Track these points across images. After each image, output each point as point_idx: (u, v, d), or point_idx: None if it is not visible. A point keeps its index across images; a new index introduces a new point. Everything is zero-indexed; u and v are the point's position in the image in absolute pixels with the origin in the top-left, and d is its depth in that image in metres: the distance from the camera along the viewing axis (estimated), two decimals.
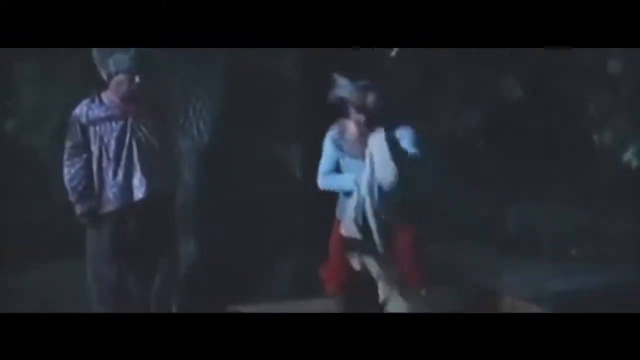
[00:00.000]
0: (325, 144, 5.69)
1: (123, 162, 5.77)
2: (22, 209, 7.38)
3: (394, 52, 7.10)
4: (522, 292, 6.33)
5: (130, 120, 5.79)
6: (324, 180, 5.69)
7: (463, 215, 7.29)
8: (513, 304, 5.72)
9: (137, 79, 5.73)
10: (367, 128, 5.54)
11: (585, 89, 7.81)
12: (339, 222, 5.70)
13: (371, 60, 7.18)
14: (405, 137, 5.56)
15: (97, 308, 5.85)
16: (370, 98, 5.52)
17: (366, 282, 5.50)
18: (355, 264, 5.54)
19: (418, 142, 5.57)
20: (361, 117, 5.53)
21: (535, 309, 5.70)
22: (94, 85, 5.99)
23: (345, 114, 5.64)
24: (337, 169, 5.67)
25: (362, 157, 5.55)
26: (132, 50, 5.72)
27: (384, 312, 5.37)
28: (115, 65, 5.73)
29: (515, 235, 7.47)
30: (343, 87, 5.57)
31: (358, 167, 5.56)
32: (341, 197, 5.71)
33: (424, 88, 7.67)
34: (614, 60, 7.69)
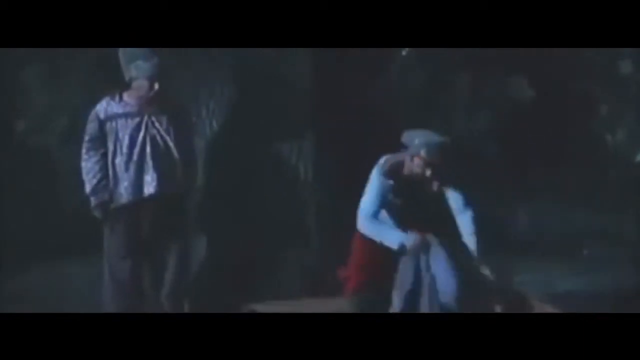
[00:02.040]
0: (374, 175, 5.44)
1: (135, 157, 5.81)
2: (31, 209, 7.37)
3: (404, 51, 7.10)
4: (534, 292, 6.30)
5: (145, 118, 5.84)
6: (368, 226, 5.39)
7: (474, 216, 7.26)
8: (524, 303, 5.68)
9: (156, 86, 5.77)
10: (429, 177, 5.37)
11: (596, 89, 7.80)
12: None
13: (380, 60, 7.20)
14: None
15: (110, 304, 5.86)
16: (442, 158, 5.37)
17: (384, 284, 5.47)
18: None
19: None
20: (426, 171, 5.38)
21: (546, 309, 5.67)
22: (104, 86, 6.02)
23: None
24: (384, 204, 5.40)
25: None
26: (155, 58, 5.77)
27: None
28: (136, 70, 5.79)
29: (526, 236, 7.44)
30: (419, 137, 5.39)
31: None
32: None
33: (434, 89, 7.66)
34: (625, 61, 7.67)
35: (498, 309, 5.49)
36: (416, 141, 5.38)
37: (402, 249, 5.35)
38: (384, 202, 5.41)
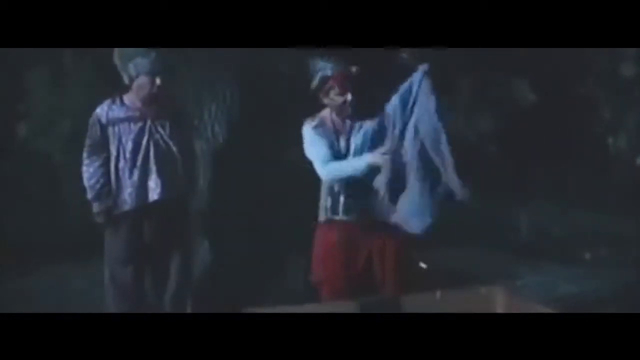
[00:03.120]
0: (308, 133, 5.27)
1: (139, 163, 5.77)
2: (33, 213, 7.39)
3: (404, 53, 7.08)
4: (535, 295, 6.30)
5: (148, 123, 5.80)
6: (330, 170, 5.23)
7: (476, 219, 7.26)
8: (524, 306, 5.67)
9: (157, 81, 5.73)
10: (351, 109, 5.19)
11: (598, 91, 7.80)
12: (323, 224, 5.42)
13: (385, 62, 7.19)
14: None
15: (112, 309, 5.84)
16: (355, 70, 5.22)
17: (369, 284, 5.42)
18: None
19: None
20: (347, 97, 5.19)
21: (547, 311, 5.65)
22: (107, 88, 6.00)
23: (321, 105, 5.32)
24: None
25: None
26: (153, 53, 5.72)
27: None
28: (136, 68, 5.73)
29: (528, 239, 7.45)
30: (323, 66, 5.28)
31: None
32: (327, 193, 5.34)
33: (435, 93, 7.64)
34: (627, 63, 7.68)
35: None
36: (319, 73, 5.31)
37: (372, 167, 5.14)
38: (329, 148, 5.25)
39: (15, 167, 7.45)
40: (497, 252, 7.25)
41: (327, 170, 5.27)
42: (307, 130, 5.33)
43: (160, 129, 5.81)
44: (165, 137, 5.82)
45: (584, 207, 7.57)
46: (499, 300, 5.56)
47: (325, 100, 5.38)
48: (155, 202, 5.78)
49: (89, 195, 5.83)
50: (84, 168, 5.82)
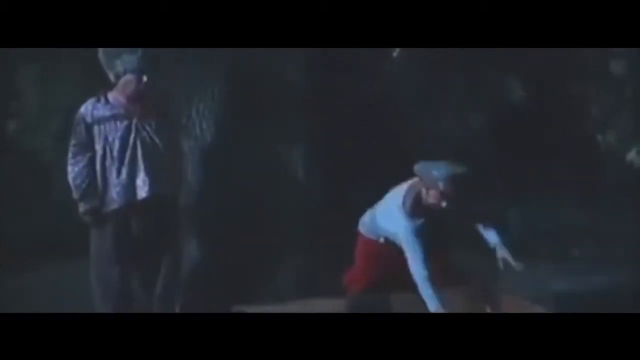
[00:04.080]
0: (404, 226, 5.39)
1: (127, 161, 5.76)
2: (24, 210, 7.37)
3: (396, 52, 7.10)
4: (524, 292, 6.30)
5: (135, 120, 5.78)
6: (420, 273, 5.33)
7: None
8: (515, 304, 5.70)
9: (144, 79, 5.72)
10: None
11: (588, 89, 7.81)
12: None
13: (374, 61, 7.20)
14: None
15: (99, 308, 5.84)
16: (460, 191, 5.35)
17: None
18: None
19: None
20: (442, 203, 5.36)
21: (537, 309, 5.68)
22: (97, 87, 5.98)
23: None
24: None
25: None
26: (140, 50, 5.71)
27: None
28: (123, 65, 5.72)
29: (517, 236, 7.44)
30: (436, 170, 5.36)
31: None
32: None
33: (426, 88, 7.66)
34: (617, 60, 7.69)
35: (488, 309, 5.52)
36: (435, 174, 5.34)
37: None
38: (423, 240, 5.37)
39: (4, 164, 7.43)
40: (488, 249, 7.24)
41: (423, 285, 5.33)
42: (402, 218, 5.42)
43: (147, 127, 5.80)
44: (152, 134, 5.80)
45: (574, 203, 7.58)
46: (491, 298, 5.59)
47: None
48: (144, 200, 5.77)
49: (75, 195, 5.81)
50: (69, 168, 5.80)
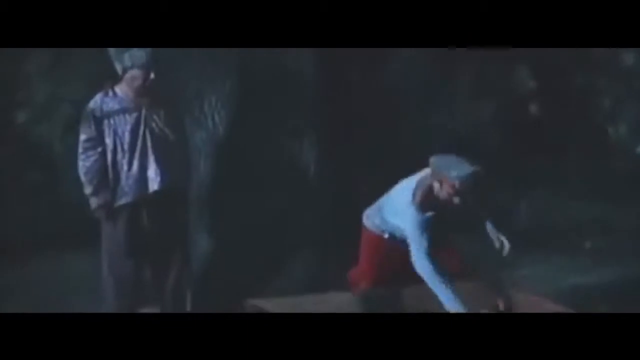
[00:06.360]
0: (413, 217, 5.29)
1: (138, 153, 5.75)
2: (32, 202, 7.38)
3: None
4: (536, 286, 6.30)
5: (144, 112, 5.76)
6: (424, 268, 5.24)
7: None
8: (527, 299, 5.68)
9: (152, 75, 5.70)
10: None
11: (598, 81, 7.79)
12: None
13: (383, 56, 7.19)
14: None
15: (112, 302, 5.83)
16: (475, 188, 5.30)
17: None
18: None
19: None
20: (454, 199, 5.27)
21: (549, 302, 5.67)
22: (105, 79, 5.97)
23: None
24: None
25: None
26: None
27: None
28: (131, 59, 5.70)
29: (528, 229, 7.44)
30: (455, 169, 5.28)
31: None
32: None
33: (436, 82, 7.65)
34: (628, 53, 7.67)
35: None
36: (453, 173, 5.31)
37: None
38: (430, 235, 5.30)
39: (13, 156, 7.43)
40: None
41: (421, 265, 5.26)
42: (411, 210, 5.31)
43: (156, 118, 5.78)
44: (162, 126, 5.78)
45: (585, 196, 7.56)
46: (502, 293, 5.57)
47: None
48: (155, 192, 5.76)
49: (87, 190, 5.78)
50: (80, 163, 5.77)
